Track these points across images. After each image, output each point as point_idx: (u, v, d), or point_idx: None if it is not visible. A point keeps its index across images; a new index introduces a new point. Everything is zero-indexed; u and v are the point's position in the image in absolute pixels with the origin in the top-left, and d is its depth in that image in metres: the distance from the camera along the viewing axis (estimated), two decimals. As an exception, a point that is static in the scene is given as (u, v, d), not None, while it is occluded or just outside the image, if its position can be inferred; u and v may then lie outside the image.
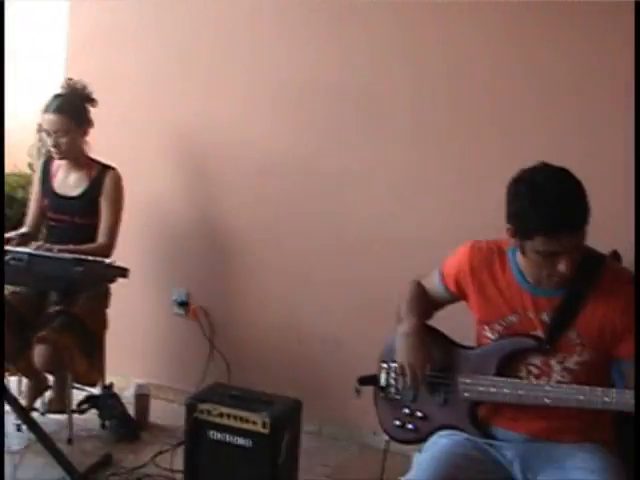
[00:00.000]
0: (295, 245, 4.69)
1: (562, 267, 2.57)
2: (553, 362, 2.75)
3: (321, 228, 4.62)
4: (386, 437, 3.07)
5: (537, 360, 2.77)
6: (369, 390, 3.10)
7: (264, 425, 3.61)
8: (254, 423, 3.63)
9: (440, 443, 2.82)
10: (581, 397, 2.62)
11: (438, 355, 2.93)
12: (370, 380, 3.08)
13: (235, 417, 3.67)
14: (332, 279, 4.60)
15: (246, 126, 4.73)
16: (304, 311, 4.72)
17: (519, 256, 2.73)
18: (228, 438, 3.69)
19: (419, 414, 2.96)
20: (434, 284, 3.04)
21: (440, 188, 4.32)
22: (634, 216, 3.57)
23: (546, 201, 2.51)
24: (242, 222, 4.82)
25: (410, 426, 2.96)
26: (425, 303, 3.05)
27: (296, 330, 4.73)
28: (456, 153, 4.28)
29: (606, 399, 2.58)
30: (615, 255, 3.61)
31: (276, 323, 4.79)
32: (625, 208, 3.85)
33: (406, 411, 2.98)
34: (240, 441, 3.67)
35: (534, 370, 2.77)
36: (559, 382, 2.72)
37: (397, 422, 3.00)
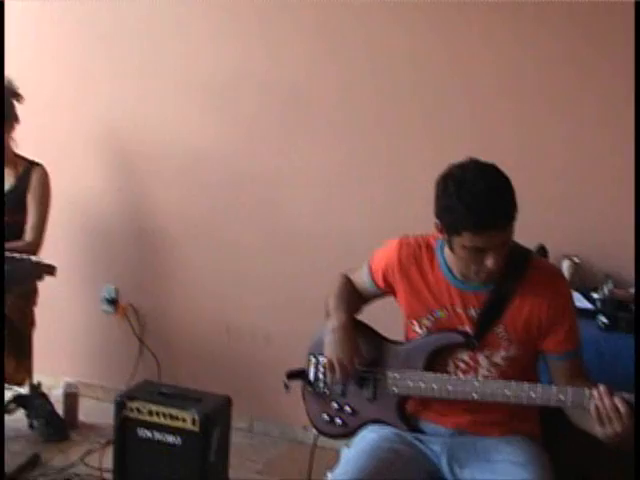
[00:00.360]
0: (224, 241, 4.68)
1: (490, 263, 2.58)
2: (480, 357, 2.76)
3: (250, 224, 4.61)
4: (315, 432, 3.07)
5: (465, 355, 2.78)
6: (300, 385, 3.09)
7: (194, 422, 3.60)
8: (184, 420, 3.62)
9: (368, 437, 2.82)
10: (508, 392, 2.63)
11: (367, 350, 2.93)
12: (298, 374, 3.06)
13: (165, 415, 3.66)
14: (261, 275, 4.62)
15: (175, 124, 4.70)
16: (234, 307, 4.71)
17: (447, 251, 2.73)
18: (158, 436, 3.68)
19: (348, 409, 2.95)
20: (362, 278, 3.03)
21: (368, 184, 4.34)
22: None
23: (474, 197, 2.50)
24: (170, 219, 4.80)
25: (339, 421, 2.96)
26: (353, 297, 3.04)
27: (226, 326, 4.71)
28: (384, 150, 4.29)
29: (532, 394, 2.59)
30: (542, 250, 3.66)
31: (206, 320, 4.78)
32: (552, 203, 3.91)
33: (335, 405, 2.98)
34: (170, 439, 3.65)
35: (462, 365, 2.79)
36: (486, 377, 2.74)
37: (326, 416, 2.99)
